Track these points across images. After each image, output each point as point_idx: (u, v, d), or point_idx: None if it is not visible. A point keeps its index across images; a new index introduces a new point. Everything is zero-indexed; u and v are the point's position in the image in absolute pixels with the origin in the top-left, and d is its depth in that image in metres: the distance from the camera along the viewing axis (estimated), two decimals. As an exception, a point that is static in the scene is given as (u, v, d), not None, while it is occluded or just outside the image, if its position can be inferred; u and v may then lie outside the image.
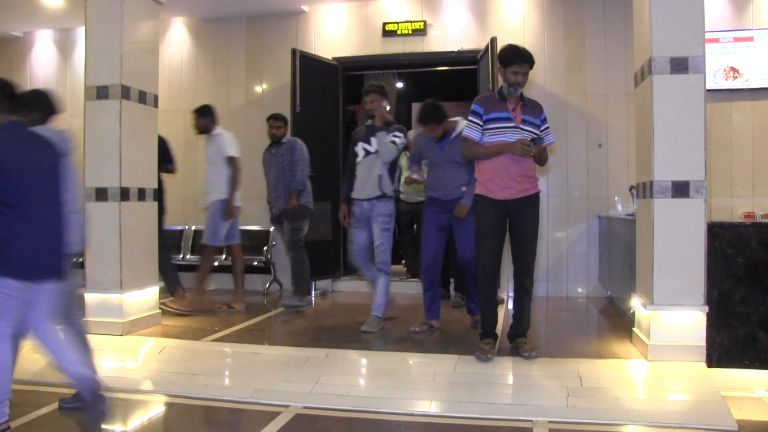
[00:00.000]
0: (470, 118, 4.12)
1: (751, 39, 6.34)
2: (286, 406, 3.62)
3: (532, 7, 6.91)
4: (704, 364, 3.91)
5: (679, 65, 4.03)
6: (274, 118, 6.01)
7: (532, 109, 4.11)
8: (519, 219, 4.05)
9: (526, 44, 6.52)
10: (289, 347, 4.45)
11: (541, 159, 4.15)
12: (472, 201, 4.29)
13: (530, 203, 4.08)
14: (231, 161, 5.75)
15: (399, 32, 7.12)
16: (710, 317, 3.97)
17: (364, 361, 4.30)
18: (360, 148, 5.03)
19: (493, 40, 6.17)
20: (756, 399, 3.82)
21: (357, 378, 4.11)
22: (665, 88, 4.05)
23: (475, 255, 4.29)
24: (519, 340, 4.15)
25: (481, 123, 4.06)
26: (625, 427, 3.33)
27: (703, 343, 3.95)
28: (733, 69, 6.37)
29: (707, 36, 4.14)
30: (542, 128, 4.13)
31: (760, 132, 6.46)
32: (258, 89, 7.59)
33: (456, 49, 7.04)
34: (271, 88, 7.51)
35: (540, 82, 6.78)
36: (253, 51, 7.58)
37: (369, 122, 5.09)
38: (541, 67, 6.80)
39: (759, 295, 3.96)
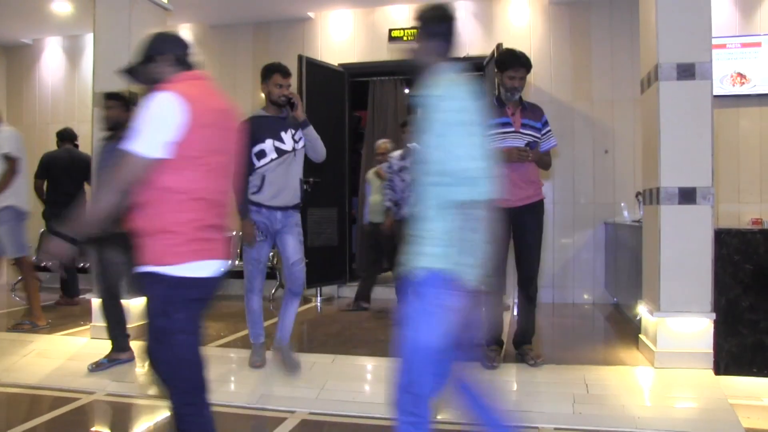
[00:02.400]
0: None
1: (758, 45, 6.32)
2: (292, 412, 3.62)
3: (538, 14, 6.91)
4: (712, 372, 3.89)
5: (686, 71, 4.02)
6: (107, 97, 4.39)
7: (532, 113, 4.10)
8: (522, 227, 4.04)
9: (532, 51, 6.55)
10: (295, 353, 4.45)
11: (543, 163, 4.13)
12: None
13: (534, 211, 4.06)
14: (8, 160, 5.16)
15: (405, 38, 7.13)
16: (718, 324, 3.95)
17: (369, 366, 4.29)
18: (270, 146, 4.01)
19: (499, 47, 6.17)
20: (765, 407, 3.79)
21: (363, 384, 4.11)
22: (672, 95, 4.05)
23: None
24: (524, 347, 4.14)
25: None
26: (630, 435, 3.33)
27: (711, 350, 3.93)
28: (741, 75, 6.36)
29: (714, 42, 4.13)
30: (544, 131, 4.12)
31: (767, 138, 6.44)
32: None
33: (462, 56, 7.05)
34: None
35: (546, 88, 6.78)
36: (259, 57, 7.59)
37: (282, 113, 4.13)
38: (546, 74, 6.80)
39: (767, 302, 3.94)
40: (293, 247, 4.10)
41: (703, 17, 4.04)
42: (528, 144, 3.95)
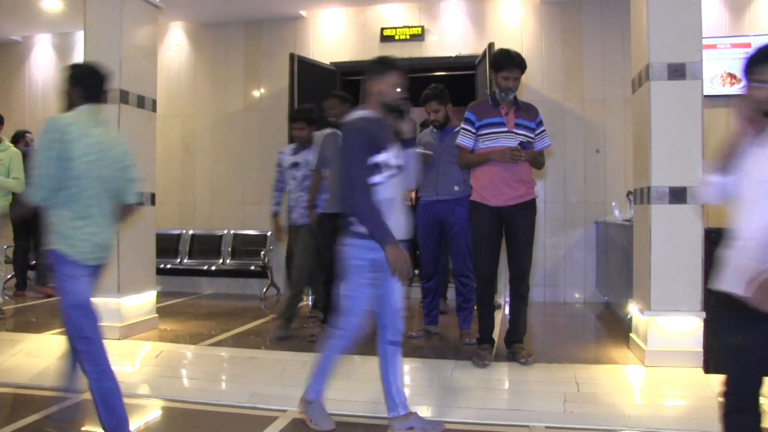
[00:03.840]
0: (462, 125, 4.13)
1: (748, 45, 6.36)
2: (283, 411, 3.61)
3: (530, 13, 6.93)
4: (701, 370, 3.91)
5: (677, 71, 4.04)
6: None
7: (527, 113, 4.10)
8: (514, 226, 4.04)
9: (524, 50, 6.55)
10: (287, 351, 4.45)
11: (537, 163, 4.14)
12: (468, 208, 4.29)
13: (526, 210, 4.06)
14: None
15: (397, 37, 7.14)
16: (708, 323, 3.97)
17: (361, 366, 4.28)
18: (389, 157, 3.08)
19: (491, 46, 6.18)
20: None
21: (354, 383, 4.10)
22: (663, 94, 4.06)
23: (472, 262, 4.31)
24: (516, 346, 4.15)
25: (474, 130, 4.06)
26: (620, 433, 3.35)
27: (701, 348, 3.95)
28: (731, 75, 6.39)
29: (705, 42, 4.15)
30: (538, 131, 4.12)
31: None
32: (256, 94, 7.59)
33: (454, 55, 7.06)
34: (269, 92, 7.51)
35: (538, 87, 6.79)
36: (251, 56, 7.59)
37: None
38: (538, 73, 6.82)
39: (756, 300, 3.96)
40: (399, 291, 3.22)
41: (694, 17, 4.05)
42: (521, 144, 3.95)
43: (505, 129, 4.01)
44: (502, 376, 3.99)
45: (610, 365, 4.14)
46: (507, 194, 3.99)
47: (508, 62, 3.99)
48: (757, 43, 6.23)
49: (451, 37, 7.10)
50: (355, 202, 3.00)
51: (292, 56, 6.73)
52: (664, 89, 4.06)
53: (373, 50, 7.24)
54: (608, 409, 3.54)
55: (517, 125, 4.02)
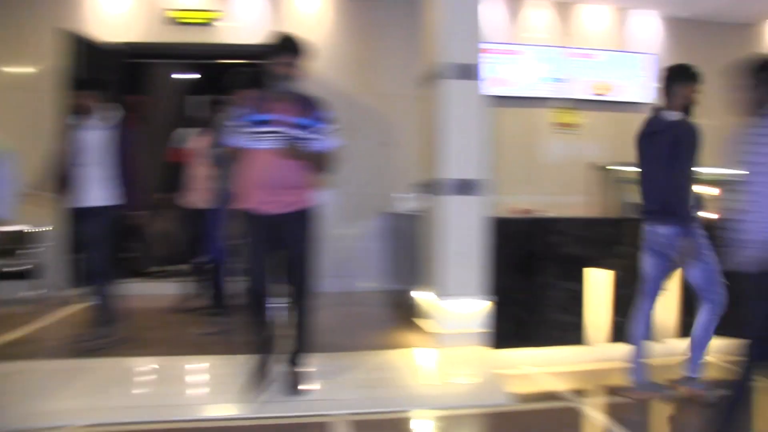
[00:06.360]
0: (229, 122, 3.72)
1: (519, 53, 7.09)
2: (61, 428, 3.23)
3: (329, 4, 6.97)
4: (487, 349, 4.24)
5: (460, 71, 4.29)
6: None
7: (303, 109, 3.54)
8: (287, 235, 3.57)
9: (320, 39, 6.59)
10: (65, 360, 3.99)
11: (318, 166, 3.64)
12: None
13: (297, 221, 3.56)
14: None
15: (186, 21, 6.74)
16: (493, 305, 4.30)
17: (152, 367, 3.99)
18: None
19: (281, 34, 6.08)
20: (526, 375, 4.24)
21: (145, 387, 3.81)
22: (447, 92, 4.30)
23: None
24: (291, 367, 3.72)
25: (240, 126, 3.52)
26: (413, 413, 3.52)
27: (487, 329, 4.27)
28: (503, 79, 7.05)
29: (484, 46, 4.47)
30: (318, 129, 3.58)
31: (523, 136, 7.20)
32: (15, 71, 6.66)
33: (247, 42, 6.85)
34: (34, 70, 6.62)
35: (330, 79, 6.82)
36: (7, 28, 6.62)
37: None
38: (332, 65, 6.87)
39: (533, 282, 4.39)
40: None
41: (474, 23, 4.34)
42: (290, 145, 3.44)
43: (272, 128, 3.44)
44: (311, 367, 3.95)
45: (403, 349, 4.31)
46: (270, 202, 3.50)
47: (279, 47, 3.53)
48: (526, 51, 6.95)
49: (245, 24, 6.87)
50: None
51: (61, 32, 6.01)
52: (448, 87, 4.30)
53: (160, 32, 6.77)
54: (400, 392, 3.69)
55: (284, 123, 3.47)
